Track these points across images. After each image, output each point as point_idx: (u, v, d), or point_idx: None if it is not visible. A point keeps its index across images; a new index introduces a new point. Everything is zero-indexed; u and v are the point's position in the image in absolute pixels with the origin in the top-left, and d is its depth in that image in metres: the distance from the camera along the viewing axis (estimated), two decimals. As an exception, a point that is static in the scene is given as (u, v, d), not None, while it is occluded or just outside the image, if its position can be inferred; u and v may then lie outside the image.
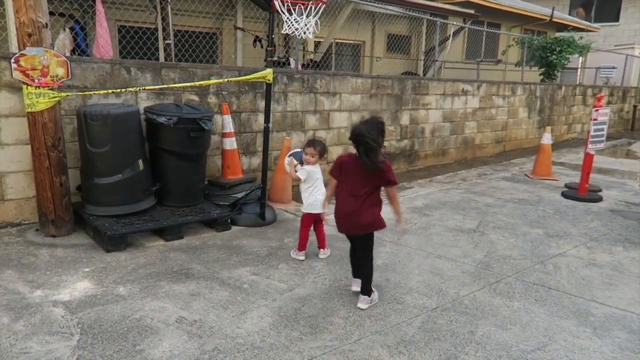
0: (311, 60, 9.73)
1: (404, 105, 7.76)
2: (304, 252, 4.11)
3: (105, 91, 4.29)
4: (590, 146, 6.30)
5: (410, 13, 9.23)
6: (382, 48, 11.77)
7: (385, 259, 4.17)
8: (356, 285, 3.46)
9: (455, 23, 10.49)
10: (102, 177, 4.26)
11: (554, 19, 13.89)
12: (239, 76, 5.58)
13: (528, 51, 11.13)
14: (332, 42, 9.90)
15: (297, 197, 6.06)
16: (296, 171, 4.07)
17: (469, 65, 12.40)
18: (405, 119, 7.86)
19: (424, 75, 12.04)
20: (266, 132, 4.80)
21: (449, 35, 11.35)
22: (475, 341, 2.91)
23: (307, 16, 4.35)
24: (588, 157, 6.39)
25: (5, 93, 4.18)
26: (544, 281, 3.81)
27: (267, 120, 4.76)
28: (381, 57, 10.92)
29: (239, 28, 8.63)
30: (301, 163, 4.07)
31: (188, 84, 4.83)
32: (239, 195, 5.03)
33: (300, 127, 6.42)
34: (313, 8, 4.41)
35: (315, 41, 9.96)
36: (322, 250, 4.19)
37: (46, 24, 3.88)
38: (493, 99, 9.64)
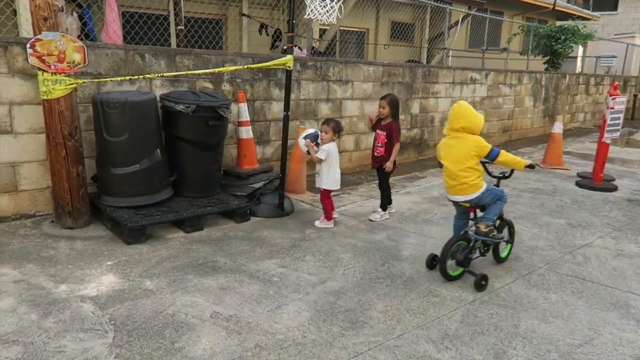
0: (313, 48, 9.56)
1: (414, 93, 7.65)
2: (333, 220, 4.57)
3: (123, 78, 4.14)
4: (606, 135, 6.24)
5: None
6: (386, 36, 11.61)
7: (413, 250, 4.08)
8: None
9: (463, 10, 10.34)
10: (119, 167, 4.12)
11: (556, 7, 13.80)
12: (253, 63, 5.43)
13: (533, 39, 11.03)
14: (337, 30, 9.73)
15: (311, 188, 5.98)
16: (316, 152, 4.39)
17: (472, 54, 12.30)
18: (415, 108, 7.75)
19: (428, 63, 11.93)
20: (286, 120, 4.67)
21: (455, 23, 11.21)
22: (521, 335, 2.84)
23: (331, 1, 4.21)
24: (603, 146, 6.34)
25: (18, 80, 4.01)
26: (576, 272, 3.75)
27: (286, 108, 4.63)
28: (389, 45, 10.77)
29: (245, 15, 8.44)
30: (317, 144, 4.41)
31: (208, 71, 4.67)
32: (257, 186, 4.91)
33: (313, 115, 6.29)
34: (336, -8, 4.26)
35: (320, 29, 9.78)
36: (327, 221, 4.55)
37: (62, 8, 3.71)
38: (500, 87, 9.55)
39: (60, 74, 3.73)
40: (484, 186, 3.54)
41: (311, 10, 4.24)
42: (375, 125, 4.83)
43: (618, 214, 5.31)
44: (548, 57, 11.54)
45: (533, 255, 4.07)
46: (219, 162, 4.81)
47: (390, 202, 4.97)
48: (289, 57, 4.46)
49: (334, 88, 6.46)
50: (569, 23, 11.78)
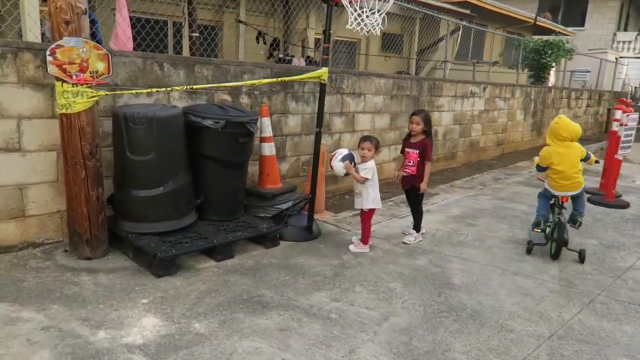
0: (309, 57, 9.30)
1: (420, 107, 7.48)
2: (369, 245, 4.31)
3: (150, 90, 3.74)
4: (620, 152, 6.24)
5: (414, 7, 8.96)
6: (377, 46, 11.48)
7: (462, 277, 3.84)
8: None
9: (457, 21, 10.32)
10: (143, 189, 3.70)
11: (537, 22, 14.08)
12: (271, 74, 5.13)
13: (523, 53, 11.15)
14: (333, 40, 9.50)
15: (330, 207, 5.69)
16: (358, 173, 4.15)
17: (459, 67, 12.33)
18: (421, 121, 7.58)
19: (417, 74, 11.87)
20: (318, 137, 4.37)
21: (445, 35, 11.20)
22: (620, 377, 2.63)
23: (371, 9, 3.94)
24: (615, 163, 6.34)
25: (29, 90, 3.54)
26: (635, 300, 3.60)
27: (319, 124, 4.33)
28: (390, 56, 10.63)
29: (242, 22, 8.08)
30: (354, 164, 4.18)
31: (239, 83, 4.36)
32: (284, 207, 4.57)
33: (328, 129, 6.00)
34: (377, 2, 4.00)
35: (315, 38, 9.54)
36: (362, 245, 4.31)
37: (85, 10, 3.28)
38: (496, 101, 9.56)
39: (82, 85, 3.30)
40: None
41: (354, 20, 3.94)
42: (404, 144, 4.60)
43: (642, 233, 5.27)
44: (534, 71, 11.69)
45: (584, 280, 3.90)
46: (244, 182, 4.45)
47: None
48: (324, 69, 4.16)
49: (347, 101, 6.19)
50: (552, 38, 11.99)
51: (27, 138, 3.56)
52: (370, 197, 4.22)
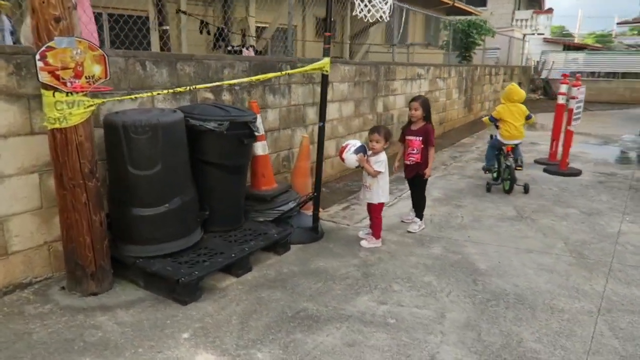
0: (253, 47, 8.88)
1: (378, 92, 7.45)
2: (380, 239, 4.19)
3: (150, 93, 3.26)
4: (573, 123, 6.65)
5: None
6: (312, 32, 11.26)
7: (484, 261, 3.85)
8: None
9: (397, 2, 10.35)
10: (150, 207, 3.25)
11: (455, 4, 14.66)
12: (250, 67, 4.77)
13: (454, 34, 11.54)
14: (277, 27, 9.14)
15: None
16: (371, 165, 4.00)
17: (389, 49, 12.50)
18: (380, 106, 7.56)
19: (351, 59, 11.85)
20: (321, 132, 4.13)
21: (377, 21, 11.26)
22: (681, 342, 2.76)
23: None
24: (569, 134, 6.76)
25: (2, 104, 2.91)
26: (645, 263, 3.84)
27: (322, 118, 4.09)
28: (351, 42, 10.41)
29: (183, 12, 7.46)
30: (366, 156, 4.01)
31: (238, 80, 3.97)
32: (285, 208, 4.29)
33: (302, 122, 5.75)
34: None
35: (257, 27, 9.12)
36: (375, 240, 4.18)
37: (75, 5, 2.76)
38: (437, 81, 9.81)
39: (78, 92, 2.78)
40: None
41: (361, 10, 3.72)
42: (404, 132, 4.52)
43: (608, 197, 5.67)
44: (461, 50, 12.17)
45: (592, 250, 4.09)
46: (245, 187, 4.10)
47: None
48: (326, 60, 3.92)
49: (318, 91, 5.95)
50: (474, 18, 12.54)
51: (4, 161, 2.95)
52: (381, 190, 4.09)
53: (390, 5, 3.90)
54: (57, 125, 2.77)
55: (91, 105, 2.86)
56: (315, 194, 4.28)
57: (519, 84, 17.11)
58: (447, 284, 3.47)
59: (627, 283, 3.50)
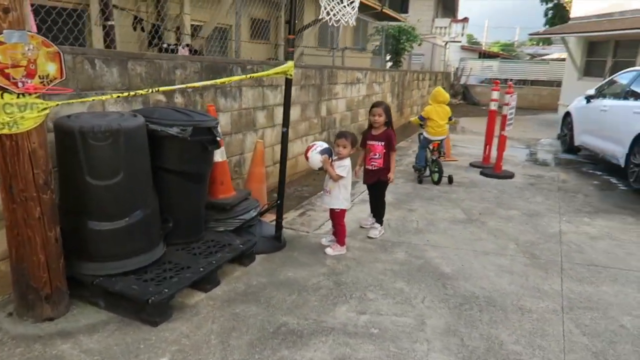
0: (189, 46, 8.50)
1: (322, 95, 7.43)
2: (345, 246, 4.17)
3: (110, 95, 2.94)
4: (507, 128, 7.05)
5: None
6: (247, 33, 11.00)
7: (447, 265, 3.94)
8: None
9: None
10: (111, 220, 2.95)
11: (383, 10, 15.04)
12: (201, 67, 4.54)
13: (386, 39, 11.82)
14: (215, 27, 8.81)
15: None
16: (334, 169, 3.96)
17: (321, 53, 12.56)
18: (324, 110, 7.55)
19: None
20: (284, 138, 4.00)
21: (313, 22, 11.27)
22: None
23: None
24: (502, 139, 7.15)
25: None
26: (590, 260, 4.12)
27: (286, 123, 3.97)
28: (260, 43, 10.19)
29: (115, 6, 6.94)
30: (331, 159, 3.97)
31: (209, 82, 3.68)
32: (247, 217, 4.11)
33: (253, 126, 5.57)
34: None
35: (192, 25, 8.73)
36: (339, 247, 4.14)
37: (28, -7, 2.43)
38: (373, 86, 9.99)
39: (31, 94, 2.45)
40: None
41: (329, 12, 3.63)
42: (365, 138, 4.51)
43: (542, 198, 6.06)
44: (392, 55, 12.51)
45: (541, 250, 4.33)
46: (206, 196, 3.87)
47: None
48: (290, 63, 3.80)
49: (267, 94, 5.82)
50: (403, 24, 12.94)
51: None
52: (341, 196, 4.05)
53: (356, 8, 3.86)
54: (6, 131, 2.42)
55: (45, 109, 2.54)
56: (279, 201, 4.15)
57: (451, 87, 18.07)
58: (419, 289, 3.50)
59: (579, 281, 3.73)
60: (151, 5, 7.92)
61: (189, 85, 3.68)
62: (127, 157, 2.92)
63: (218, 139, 3.63)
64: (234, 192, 4.31)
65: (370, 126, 4.47)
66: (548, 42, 35.79)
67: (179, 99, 4.30)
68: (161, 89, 3.31)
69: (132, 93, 3.09)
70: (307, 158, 3.97)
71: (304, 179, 6.74)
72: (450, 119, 6.68)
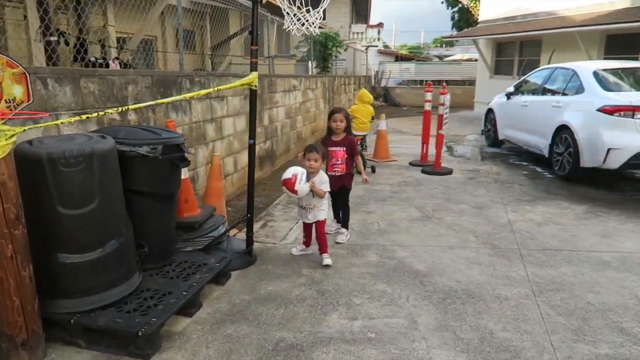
0: (117, 58, 8.09)
1: (264, 104, 7.37)
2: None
3: (87, 115, 2.72)
4: (444, 127, 7.41)
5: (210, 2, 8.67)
6: (172, 43, 10.66)
7: (420, 263, 4.07)
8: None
9: (268, 14, 10.33)
10: (86, 251, 2.73)
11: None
12: (152, 81, 4.36)
13: (313, 46, 11.96)
14: (144, 38, 8.43)
15: (231, 214, 5.21)
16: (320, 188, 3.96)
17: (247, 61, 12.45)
18: (266, 119, 7.49)
19: (213, 71, 11.57)
20: (251, 150, 3.93)
21: (241, 30, 11.16)
22: (600, 312, 3.26)
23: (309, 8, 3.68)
24: (440, 137, 7.51)
25: None
26: (543, 245, 4.44)
27: (252, 135, 3.89)
28: (212, 53, 9.92)
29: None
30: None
31: (180, 97, 3.55)
32: (216, 234, 3.99)
33: (203, 139, 5.41)
34: None
35: (118, 37, 8.31)
36: (325, 255, 4.08)
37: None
38: (308, 92, 10.07)
39: (-2, 121, 2.22)
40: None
41: (290, 21, 3.60)
42: (325, 144, 4.54)
43: (484, 191, 6.44)
44: (321, 61, 12.70)
45: (499, 240, 4.60)
46: (176, 216, 3.70)
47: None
48: (254, 74, 3.75)
49: (215, 106, 5.67)
50: (328, 31, 13.18)
51: None
52: (324, 206, 4.08)
53: (319, 18, 3.88)
54: (-28, 163, 2.17)
55: (13, 136, 2.31)
56: (249, 215, 4.06)
57: (373, 89, 18.59)
58: (401, 289, 3.58)
59: (540, 265, 4.02)
60: (73, 18, 7.43)
61: (158, 101, 3.52)
62: (101, 182, 2.72)
63: (187, 155, 3.49)
64: (199, 210, 4.16)
65: (330, 132, 4.50)
66: (451, 44, 38.29)
67: (132, 116, 4.07)
68: (133, 106, 3.11)
69: (124, 108, 2.88)
70: (294, 192, 3.80)
71: (255, 190, 6.63)
72: (372, 118, 7.59)
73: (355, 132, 6.75)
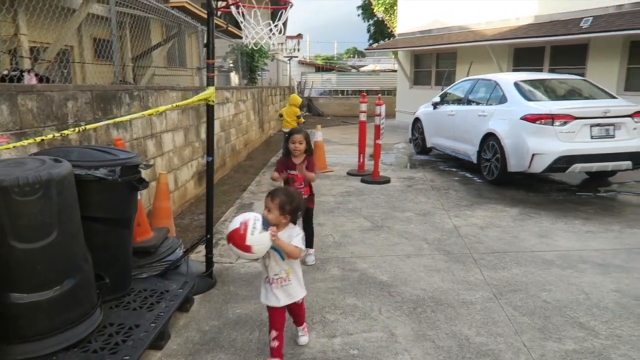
0: (30, 70, 7.41)
1: (200, 118, 7.12)
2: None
3: (43, 137, 2.42)
4: (381, 137, 7.60)
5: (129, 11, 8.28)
6: (90, 54, 9.98)
7: (382, 274, 4.12)
8: None
9: (203, 25, 9.98)
10: (45, 289, 2.44)
11: (228, 28, 14.97)
12: (92, 96, 4.06)
13: (240, 57, 11.79)
14: (62, 49, 7.79)
15: (181, 232, 4.95)
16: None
17: (172, 72, 12.03)
18: (203, 133, 7.23)
19: (135, 83, 11.04)
20: (210, 168, 3.75)
21: (163, 41, 10.72)
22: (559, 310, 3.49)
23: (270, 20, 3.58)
24: (378, 147, 7.69)
25: None
26: (493, 249, 4.67)
27: (210, 152, 3.72)
28: (103, 64, 9.35)
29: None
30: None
31: (138, 115, 3.26)
32: (173, 258, 3.76)
33: (145, 156, 5.10)
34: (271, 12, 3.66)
35: (31, 47, 7.62)
36: (301, 328, 3.06)
37: None
38: (240, 104, 9.90)
39: (-54, 147, 1.92)
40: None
41: (248, 33, 3.48)
42: (285, 166, 4.16)
43: (424, 198, 6.68)
44: (248, 72, 12.55)
45: (451, 246, 4.77)
46: (132, 242, 3.42)
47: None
48: (211, 89, 3.60)
49: (154, 121, 5.38)
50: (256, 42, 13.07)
51: None
52: (300, 276, 2.81)
53: (280, 31, 3.81)
54: None
55: (-37, 163, 2.01)
56: (208, 236, 3.87)
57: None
58: (371, 302, 3.59)
59: (493, 268, 4.22)
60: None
61: (122, 119, 3.25)
62: (60, 212, 2.45)
63: (143, 175, 3.26)
64: (153, 233, 3.91)
65: (288, 154, 4.21)
66: (362, 55, 39.79)
67: (73, 135, 3.74)
68: (91, 126, 2.84)
69: (81, 127, 2.60)
70: (248, 249, 2.44)
71: (195, 207, 6.39)
72: (298, 117, 8.96)
73: (284, 130, 8.65)
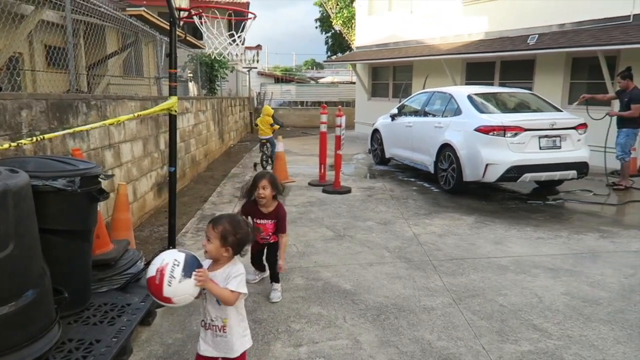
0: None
1: (159, 128, 7.01)
2: None
3: (20, 142, 2.33)
4: (342, 148, 7.70)
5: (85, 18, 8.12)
6: (41, 61, 9.65)
7: (345, 282, 4.17)
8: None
9: (158, 34, 9.80)
10: (1, 305, 2.35)
11: (187, 38, 14.83)
12: (47, 105, 3.95)
13: (200, 67, 11.69)
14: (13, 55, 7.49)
15: (141, 244, 4.84)
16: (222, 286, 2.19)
17: (128, 82, 11.79)
18: (162, 143, 7.12)
19: (90, 92, 10.76)
20: (172, 178, 3.71)
21: (119, 49, 10.51)
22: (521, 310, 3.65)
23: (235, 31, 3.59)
24: (338, 157, 7.80)
25: None
26: (451, 255, 4.82)
27: (172, 162, 3.69)
28: (57, 72, 9.06)
29: None
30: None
31: (98, 124, 3.19)
32: (134, 271, 3.68)
33: (103, 167, 4.95)
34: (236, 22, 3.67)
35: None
36: None
37: None
38: (199, 115, 9.80)
39: None
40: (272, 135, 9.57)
41: (212, 43, 3.48)
42: (250, 212, 3.73)
43: (384, 207, 6.81)
44: (208, 83, 12.46)
45: (412, 254, 4.89)
46: (92, 254, 3.33)
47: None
48: (173, 99, 3.58)
49: (112, 131, 5.26)
50: (215, 53, 13.01)
51: None
52: (241, 328, 2.33)
53: (243, 42, 3.83)
54: None
55: None
56: (170, 247, 3.81)
57: (250, 114, 18.65)
58: (335, 310, 3.63)
59: (452, 274, 4.36)
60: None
61: (76, 129, 3.16)
62: (17, 224, 2.37)
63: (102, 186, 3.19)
64: (113, 245, 3.82)
65: (253, 200, 3.70)
66: (320, 67, 40.29)
67: (27, 145, 3.61)
68: (49, 135, 2.77)
69: (39, 137, 2.51)
70: (168, 300, 2.06)
71: (155, 219, 6.27)
72: (272, 124, 9.80)
73: (260, 137, 9.88)
